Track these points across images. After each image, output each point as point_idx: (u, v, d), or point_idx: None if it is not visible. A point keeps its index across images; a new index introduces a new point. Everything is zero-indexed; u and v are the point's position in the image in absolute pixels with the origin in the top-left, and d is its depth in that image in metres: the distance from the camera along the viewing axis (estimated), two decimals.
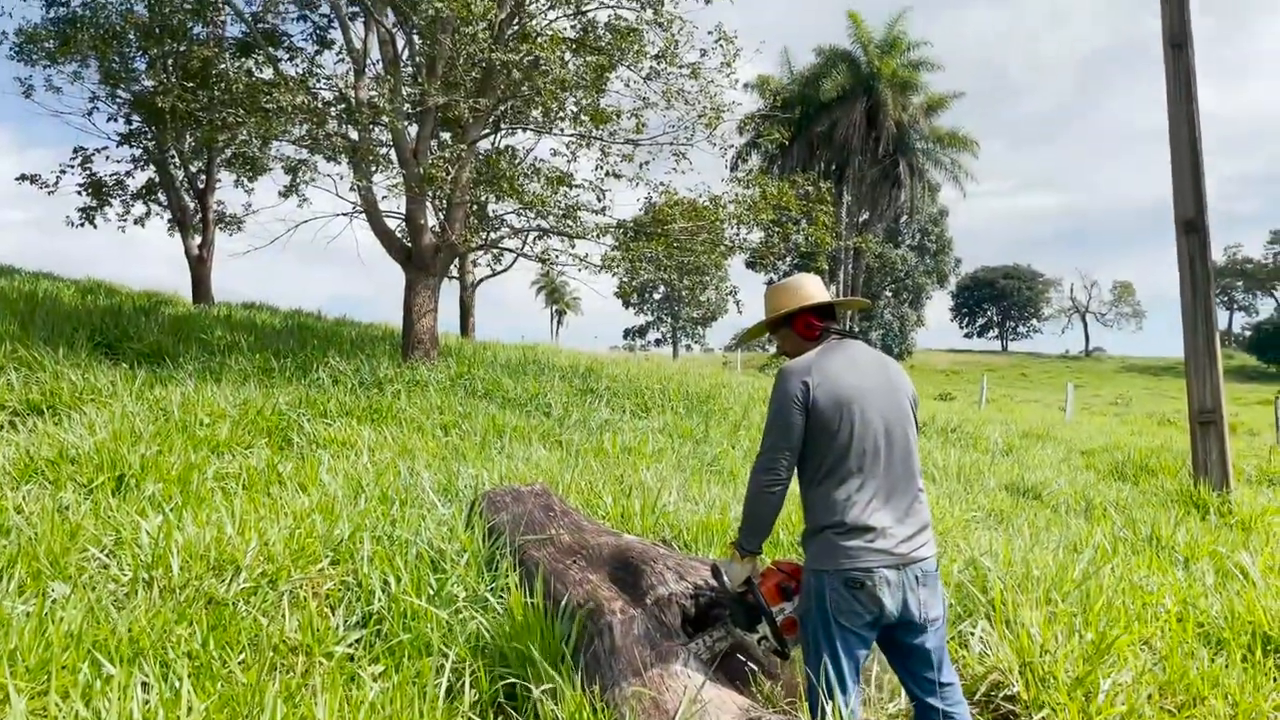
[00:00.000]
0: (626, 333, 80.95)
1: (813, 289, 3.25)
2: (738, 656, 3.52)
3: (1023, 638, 3.65)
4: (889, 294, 55.37)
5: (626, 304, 74.71)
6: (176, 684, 3.17)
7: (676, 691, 3.10)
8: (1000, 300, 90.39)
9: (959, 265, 65.07)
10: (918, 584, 2.92)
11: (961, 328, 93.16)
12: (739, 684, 3.34)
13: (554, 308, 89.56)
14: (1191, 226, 8.43)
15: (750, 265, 48.19)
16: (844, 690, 2.88)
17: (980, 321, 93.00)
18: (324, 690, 3.24)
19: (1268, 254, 79.18)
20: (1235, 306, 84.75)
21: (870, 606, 2.88)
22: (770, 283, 4.13)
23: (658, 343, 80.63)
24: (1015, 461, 10.95)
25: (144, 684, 3.17)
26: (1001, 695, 3.47)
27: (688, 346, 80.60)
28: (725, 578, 3.18)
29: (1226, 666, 4.04)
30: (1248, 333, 77.11)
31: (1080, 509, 8.10)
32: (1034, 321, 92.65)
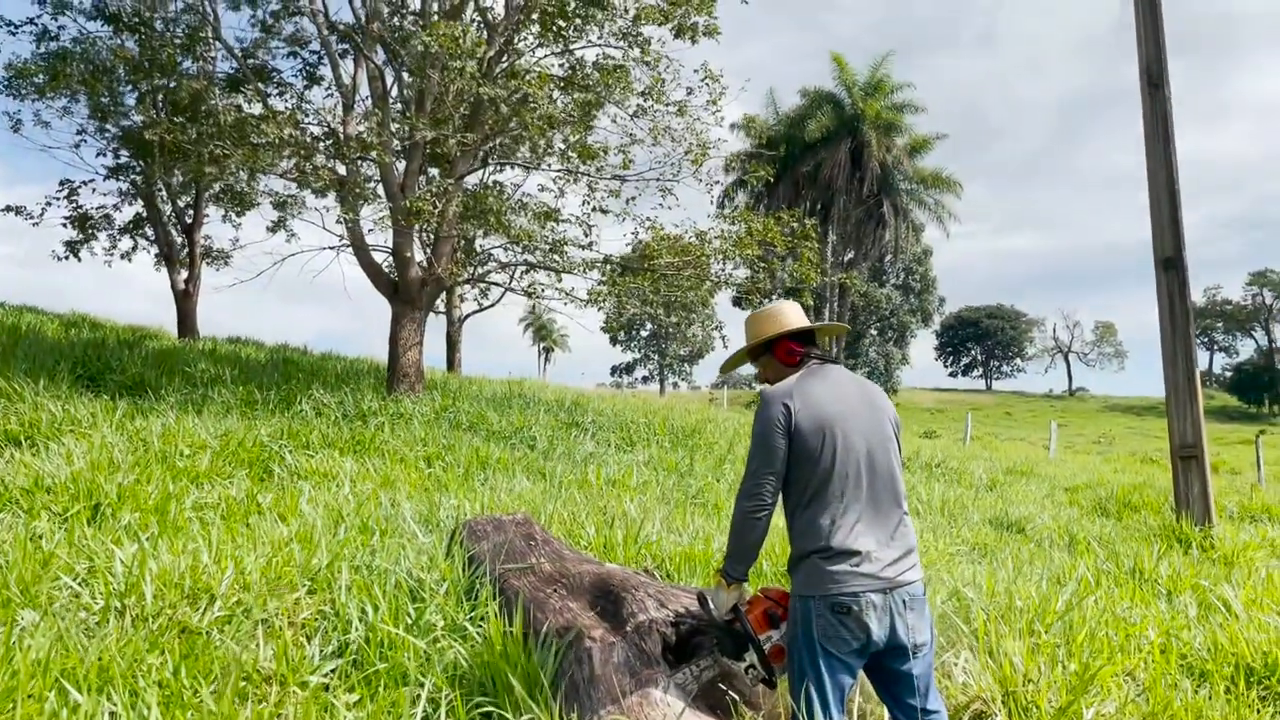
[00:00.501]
0: (614, 370, 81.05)
1: (793, 315, 3.26)
2: (719, 686, 3.49)
3: (1005, 667, 3.63)
4: (874, 332, 55.64)
5: (614, 341, 74.85)
6: (145, 712, 3.11)
7: None
8: (984, 339, 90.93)
9: (943, 304, 65.55)
10: (905, 608, 2.90)
11: (946, 366, 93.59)
12: (720, 714, 3.30)
13: (541, 344, 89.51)
14: (1170, 264, 8.52)
15: (736, 302, 48.38)
16: (827, 716, 2.85)
17: (965, 361, 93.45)
18: (297, 718, 3.18)
19: (1246, 295, 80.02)
20: (1216, 347, 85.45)
21: (857, 633, 2.85)
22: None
23: (645, 380, 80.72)
24: (999, 497, 10.96)
25: (112, 713, 3.11)
26: None
27: (675, 384, 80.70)
28: (712, 606, 3.15)
29: (1210, 698, 4.02)
30: (1228, 373, 77.73)
31: (1063, 543, 8.09)
32: (1018, 361, 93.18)
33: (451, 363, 23.36)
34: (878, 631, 2.86)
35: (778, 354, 3.23)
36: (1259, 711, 4.01)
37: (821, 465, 2.94)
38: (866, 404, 3.11)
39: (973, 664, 3.85)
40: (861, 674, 3.06)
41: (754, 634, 3.08)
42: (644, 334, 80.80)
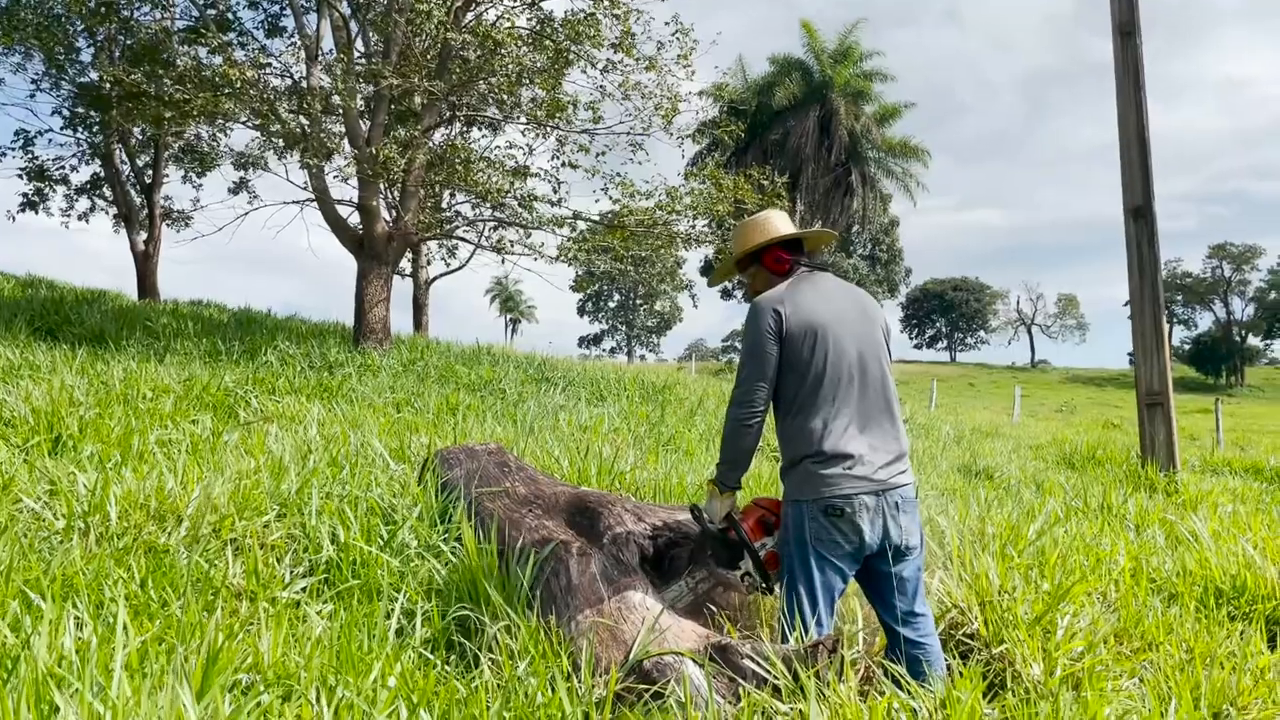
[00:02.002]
0: (581, 340, 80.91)
1: (780, 223, 3.23)
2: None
3: (981, 578, 3.64)
4: None
5: (581, 311, 74.67)
6: (110, 620, 3.04)
7: (635, 623, 3.04)
8: (949, 312, 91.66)
9: (909, 275, 65.96)
10: (898, 510, 2.91)
11: (911, 339, 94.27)
12: (701, 619, 3.28)
13: (508, 316, 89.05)
14: (1139, 213, 8.57)
15: (705, 272, 48.32)
16: (819, 622, 2.85)
17: (929, 333, 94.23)
18: (268, 627, 3.12)
19: (1206, 268, 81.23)
20: (1175, 320, 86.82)
21: (850, 535, 2.86)
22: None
23: (612, 351, 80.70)
24: (966, 450, 11.05)
25: (76, 618, 3.03)
26: (961, 633, 3.45)
27: (642, 356, 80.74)
28: (705, 515, 3.13)
29: (1180, 616, 4.06)
30: (1186, 346, 79.03)
31: (1031, 488, 8.17)
32: (981, 333, 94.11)
33: (419, 324, 23.14)
34: (870, 534, 2.86)
35: (766, 262, 3.19)
36: (1227, 629, 4.06)
37: (813, 371, 2.93)
38: (858, 310, 3.10)
39: (948, 581, 3.86)
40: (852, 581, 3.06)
41: (749, 541, 3.07)
42: (611, 305, 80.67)
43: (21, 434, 5.31)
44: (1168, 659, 3.63)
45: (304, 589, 3.70)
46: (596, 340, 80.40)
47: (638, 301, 77.58)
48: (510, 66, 11.96)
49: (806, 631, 2.81)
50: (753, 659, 2.63)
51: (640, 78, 13.13)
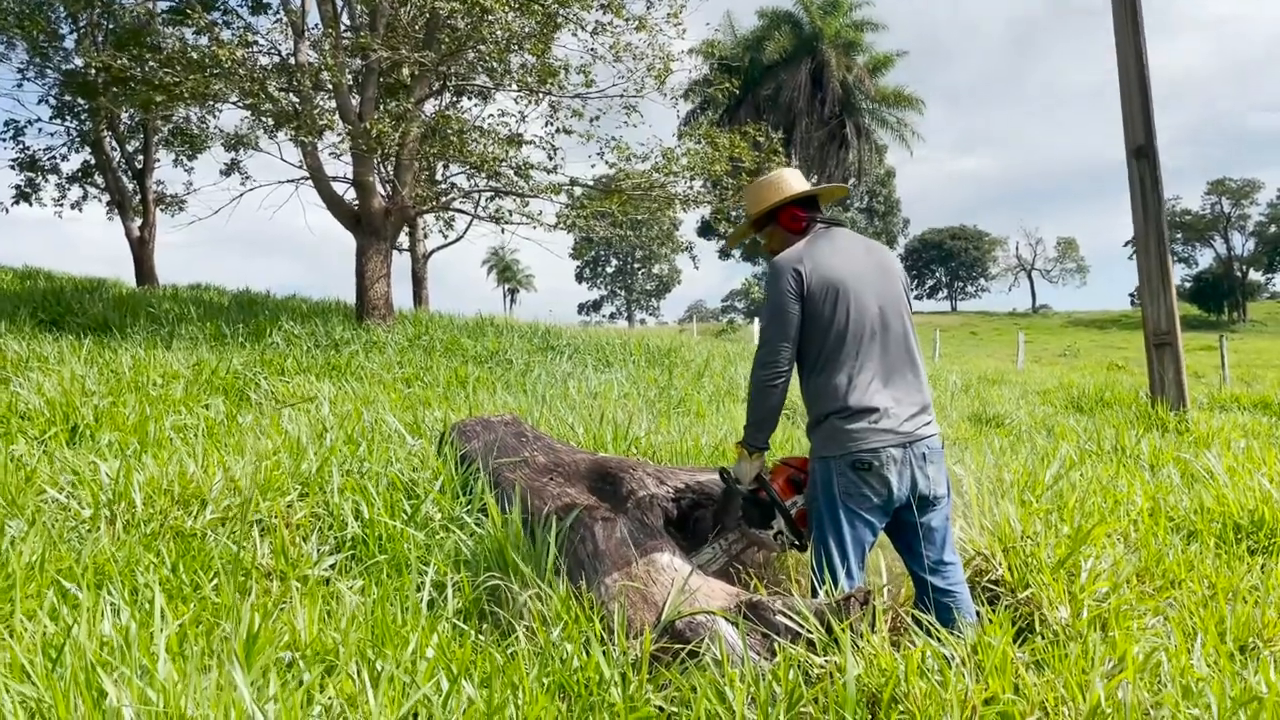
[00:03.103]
0: (580, 307, 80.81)
1: (794, 181, 3.22)
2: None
3: (1004, 524, 3.66)
4: None
5: (580, 278, 74.50)
6: (147, 606, 3.07)
7: (664, 585, 3.06)
8: (948, 261, 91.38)
9: (907, 226, 65.69)
10: (925, 461, 2.94)
11: (911, 290, 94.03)
12: (729, 578, 3.32)
13: (506, 286, 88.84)
14: (1141, 153, 8.52)
15: (703, 233, 48.17)
16: (850, 575, 2.88)
17: (930, 283, 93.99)
18: (302, 604, 3.15)
19: (1205, 204, 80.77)
20: (1176, 258, 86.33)
21: (879, 488, 2.88)
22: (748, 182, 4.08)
23: (612, 317, 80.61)
24: (975, 397, 11.07)
25: (112, 605, 3.06)
26: (985, 580, 3.48)
27: (642, 320, 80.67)
28: (735, 478, 3.15)
29: (1200, 553, 4.10)
30: (1188, 284, 78.81)
31: (1043, 433, 8.19)
32: (981, 281, 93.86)
33: (418, 299, 23.08)
34: (898, 486, 2.89)
35: (782, 221, 3.19)
36: (1248, 563, 4.09)
37: (835, 327, 2.94)
38: (876, 265, 3.10)
39: (969, 529, 3.89)
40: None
41: (780, 500, 3.10)
42: (609, 270, 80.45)
43: (38, 425, 5.33)
44: (1190, 596, 3.66)
45: (332, 566, 3.74)
46: (596, 306, 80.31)
47: (636, 266, 77.36)
48: (499, 33, 11.84)
49: (837, 585, 2.84)
50: (786, 614, 2.65)
51: (631, 38, 13.02)
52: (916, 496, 2.96)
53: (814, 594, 2.93)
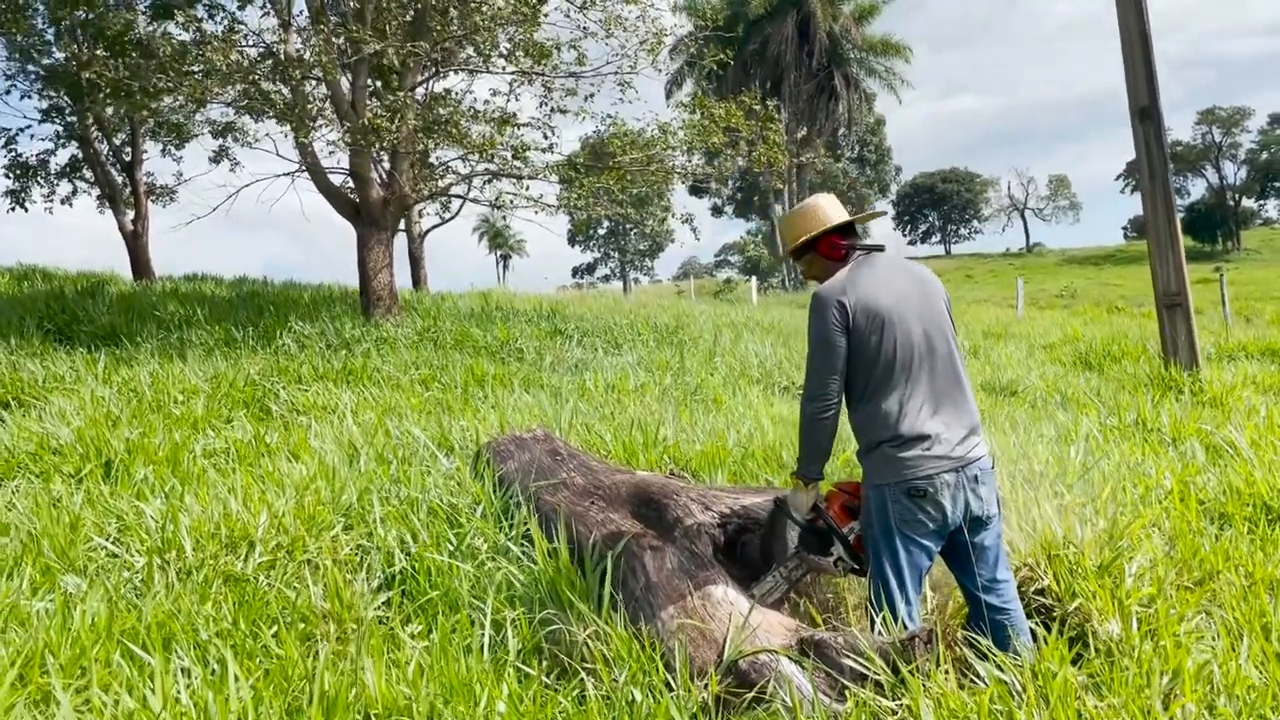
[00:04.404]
0: (575, 271, 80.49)
1: (831, 210, 3.22)
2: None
3: (1045, 531, 3.72)
4: None
5: (573, 241, 74.18)
6: (215, 666, 3.12)
7: (721, 620, 3.11)
8: (940, 204, 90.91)
9: (899, 174, 65.40)
10: (977, 483, 2.98)
11: (904, 236, 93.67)
12: (784, 609, 3.37)
13: (498, 252, 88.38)
14: (1145, 114, 8.48)
15: (695, 192, 47.92)
16: (907, 601, 2.93)
17: (923, 228, 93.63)
18: (367, 654, 3.21)
19: (1196, 135, 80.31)
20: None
21: (934, 514, 2.92)
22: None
23: (606, 278, 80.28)
24: (984, 362, 11.12)
25: (183, 668, 3.12)
26: (1032, 590, 3.54)
27: (636, 279, 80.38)
28: (792, 509, 3.19)
29: (1234, 540, 4.16)
30: (1181, 215, 78.56)
31: (1057, 401, 8.25)
32: (975, 223, 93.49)
33: (417, 280, 23.01)
34: (952, 510, 2.94)
35: (822, 250, 3.20)
36: None
37: (883, 356, 2.96)
38: (918, 289, 3.12)
39: (1008, 531, 3.94)
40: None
41: (838, 528, 3.15)
42: (601, 232, 80.00)
43: (72, 462, 5.36)
44: (1229, 588, 3.73)
45: (385, 603, 3.79)
46: (590, 269, 79.91)
47: (629, 227, 77.00)
48: (487, 13, 11.68)
49: (896, 618, 2.89)
50: (850, 655, 2.71)
51: (621, 10, 12.86)
52: (969, 518, 3.01)
53: (872, 624, 2.98)
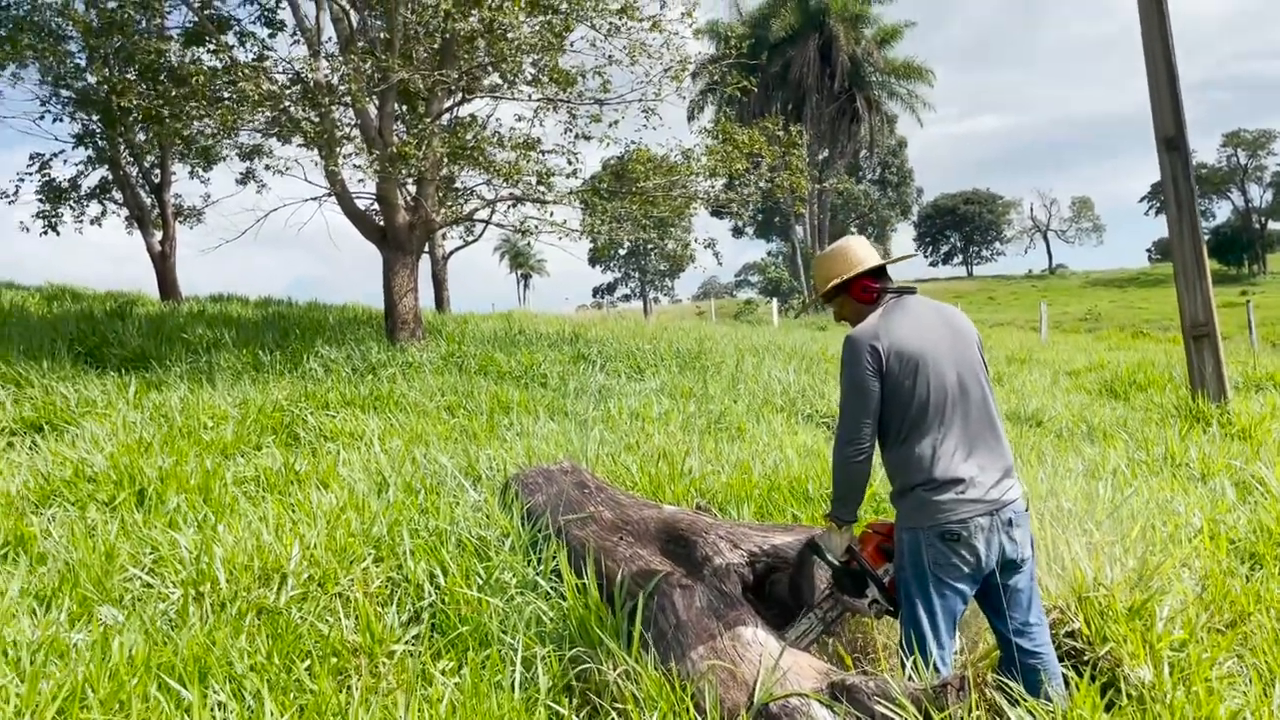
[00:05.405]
0: (595, 291, 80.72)
1: (863, 253, 3.24)
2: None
3: (1075, 572, 3.71)
4: (854, 229, 55.52)
5: (593, 263, 74.43)
6: (250, 702, 3.16)
7: (752, 661, 3.12)
8: (962, 226, 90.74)
9: (921, 195, 65.30)
10: (1011, 526, 2.99)
11: (926, 257, 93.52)
12: (815, 651, 3.38)
13: (519, 272, 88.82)
14: (1172, 144, 8.47)
15: (716, 213, 48.03)
16: (940, 645, 2.94)
17: (944, 249, 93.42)
18: (400, 690, 3.24)
19: (1220, 157, 79.85)
20: None
21: (968, 557, 2.93)
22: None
23: (626, 298, 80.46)
24: (1009, 389, 11.08)
25: (219, 703, 3.16)
26: (1063, 632, 3.53)
27: (655, 299, 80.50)
28: (826, 551, 3.21)
29: (1266, 581, 4.13)
30: (1207, 238, 78.02)
31: (1082, 432, 8.21)
32: (997, 244, 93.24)
33: (440, 302, 23.17)
34: (986, 553, 2.95)
35: (854, 293, 3.23)
36: None
37: (916, 400, 2.98)
38: (950, 331, 3.13)
39: (1038, 571, 3.94)
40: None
41: (872, 570, 3.16)
42: (621, 252, 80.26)
43: (106, 490, 5.43)
44: (1260, 631, 3.70)
45: (415, 637, 3.82)
46: (610, 289, 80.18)
47: (649, 247, 77.15)
48: (517, 33, 11.77)
49: (928, 662, 2.89)
50: (882, 701, 2.71)
51: (645, 38, 12.96)
52: (1003, 561, 3.01)
53: (904, 667, 2.99)
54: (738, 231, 58.07)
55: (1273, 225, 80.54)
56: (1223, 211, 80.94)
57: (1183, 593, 3.81)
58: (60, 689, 3.08)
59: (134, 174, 20.85)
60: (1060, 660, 3.28)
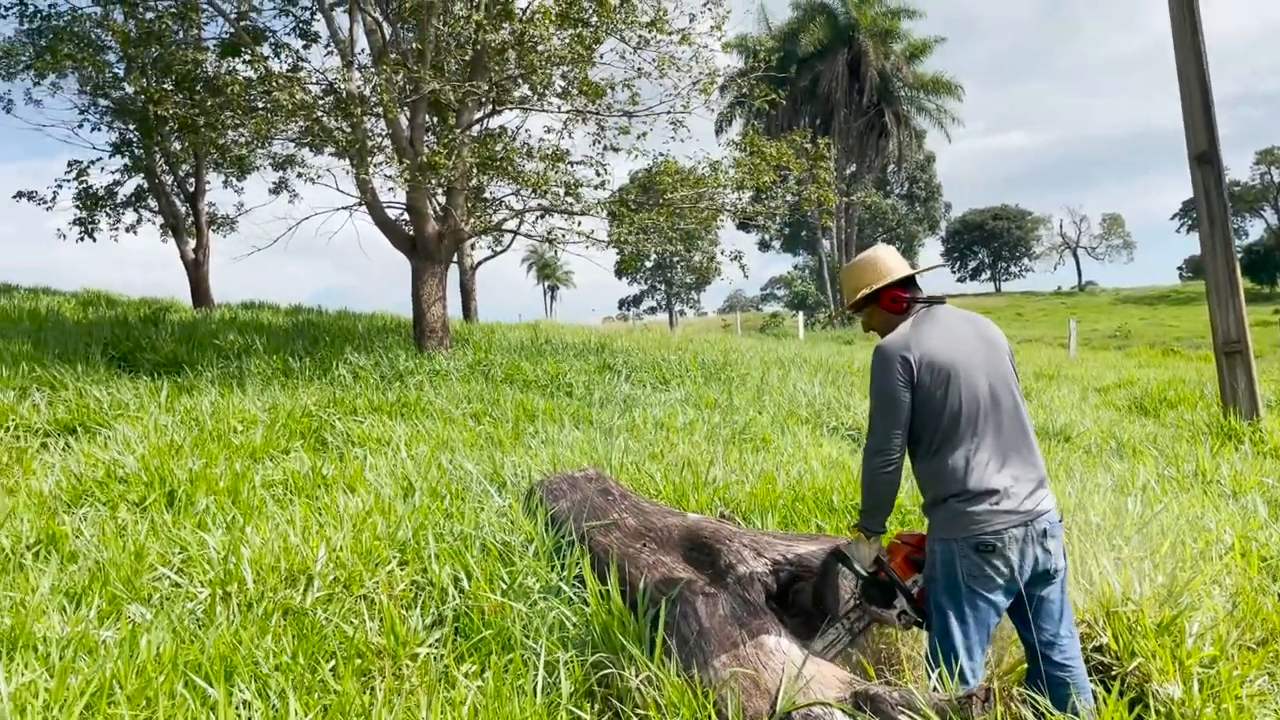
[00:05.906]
0: (621, 303, 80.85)
1: (893, 263, 3.23)
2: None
3: (1104, 587, 3.67)
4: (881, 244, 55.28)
5: (620, 275, 74.62)
6: (275, 701, 3.19)
7: (775, 670, 3.11)
8: (991, 242, 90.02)
9: (949, 210, 64.98)
10: (1045, 537, 2.97)
11: (954, 272, 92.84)
12: (839, 661, 3.36)
13: (546, 283, 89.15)
14: (1204, 159, 8.40)
15: (742, 226, 48.05)
16: (971, 658, 2.92)
17: (972, 265, 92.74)
18: (422, 691, 3.26)
19: (1254, 175, 78.82)
20: None
21: (1003, 569, 2.91)
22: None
23: (652, 310, 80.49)
24: (1038, 405, 10.99)
25: (244, 702, 3.19)
26: (1091, 647, 3.49)
27: (681, 311, 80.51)
28: (854, 561, 3.20)
29: None
30: (1240, 256, 77.01)
31: (1111, 448, 8.13)
32: (1025, 261, 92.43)
33: (468, 311, 23.31)
34: (1019, 565, 2.92)
35: (883, 303, 3.22)
36: None
37: (948, 411, 2.97)
38: (982, 341, 3.12)
39: (1069, 587, 3.90)
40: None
41: (901, 581, 3.15)
42: (648, 265, 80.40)
43: (137, 491, 5.50)
44: None
45: (438, 640, 3.84)
46: (636, 302, 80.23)
47: (675, 259, 77.27)
48: (547, 45, 11.88)
49: (954, 674, 2.87)
50: (906, 713, 2.70)
51: (674, 51, 13.02)
52: (1037, 572, 2.99)
53: (929, 678, 2.97)
54: (764, 245, 58.07)
55: None
56: (1256, 230, 79.84)
57: (1213, 609, 3.76)
58: (88, 685, 3.12)
59: (169, 182, 21.17)
60: (1088, 675, 3.25)
